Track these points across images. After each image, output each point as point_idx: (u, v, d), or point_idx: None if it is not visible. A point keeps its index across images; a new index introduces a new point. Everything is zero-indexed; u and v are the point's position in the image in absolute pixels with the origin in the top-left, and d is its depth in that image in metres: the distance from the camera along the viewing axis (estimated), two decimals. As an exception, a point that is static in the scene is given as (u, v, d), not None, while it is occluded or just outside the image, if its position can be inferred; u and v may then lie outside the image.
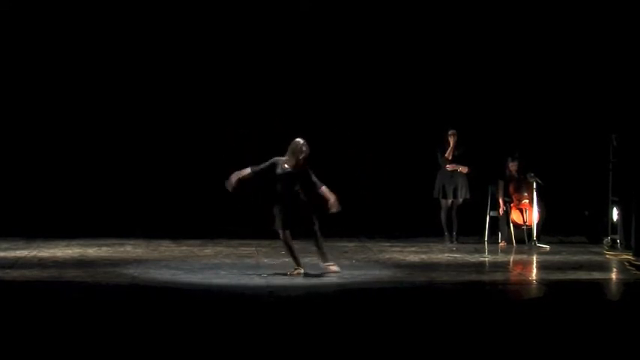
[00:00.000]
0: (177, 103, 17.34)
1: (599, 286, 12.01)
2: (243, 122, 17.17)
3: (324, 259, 12.14)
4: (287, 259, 12.34)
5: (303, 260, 12.25)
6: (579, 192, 16.50)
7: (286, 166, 11.94)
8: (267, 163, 11.98)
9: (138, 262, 13.21)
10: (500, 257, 14.18)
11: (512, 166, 15.42)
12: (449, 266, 13.23)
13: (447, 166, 15.32)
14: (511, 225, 15.24)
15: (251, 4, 17.24)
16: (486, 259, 14.04)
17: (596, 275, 12.50)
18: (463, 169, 15.30)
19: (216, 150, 16.93)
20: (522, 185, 15.32)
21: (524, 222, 15.26)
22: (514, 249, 14.87)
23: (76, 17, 16.96)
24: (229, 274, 12.27)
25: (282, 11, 17.22)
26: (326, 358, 8.15)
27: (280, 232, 12.05)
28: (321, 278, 11.95)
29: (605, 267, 13.30)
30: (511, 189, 15.42)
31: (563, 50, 17.07)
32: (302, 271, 12.09)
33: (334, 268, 12.11)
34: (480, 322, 9.50)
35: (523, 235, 15.28)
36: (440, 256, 14.18)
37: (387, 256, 13.96)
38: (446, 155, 15.29)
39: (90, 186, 17.10)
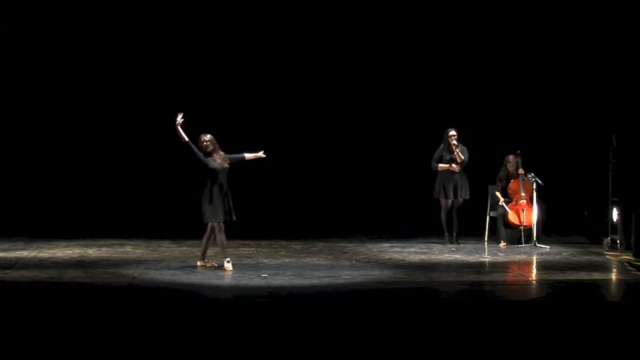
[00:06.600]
0: (177, 105, 17.26)
1: (599, 286, 12.01)
2: (243, 124, 17.15)
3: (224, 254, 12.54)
4: (287, 260, 12.33)
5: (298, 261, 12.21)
6: (579, 192, 16.48)
7: (219, 160, 12.46)
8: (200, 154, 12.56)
9: (138, 262, 13.21)
10: (500, 257, 14.17)
11: (510, 166, 15.40)
12: (449, 266, 13.22)
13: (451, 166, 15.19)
14: (510, 225, 15.22)
15: (249, 11, 17.24)
16: (486, 259, 14.03)
17: (596, 276, 12.49)
18: (459, 157, 15.14)
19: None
20: (521, 185, 15.30)
21: (522, 222, 15.23)
22: (514, 249, 14.85)
23: (71, 20, 16.93)
24: (229, 274, 12.27)
25: (282, 11, 17.24)
26: (326, 358, 8.15)
27: (218, 224, 12.35)
28: (322, 279, 11.95)
29: (605, 267, 13.28)
30: (509, 189, 15.39)
31: (564, 50, 17.05)
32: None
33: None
34: (480, 322, 9.50)
35: (522, 235, 15.25)
36: (440, 256, 14.16)
37: (387, 256, 13.94)
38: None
39: (89, 186, 17.08)
